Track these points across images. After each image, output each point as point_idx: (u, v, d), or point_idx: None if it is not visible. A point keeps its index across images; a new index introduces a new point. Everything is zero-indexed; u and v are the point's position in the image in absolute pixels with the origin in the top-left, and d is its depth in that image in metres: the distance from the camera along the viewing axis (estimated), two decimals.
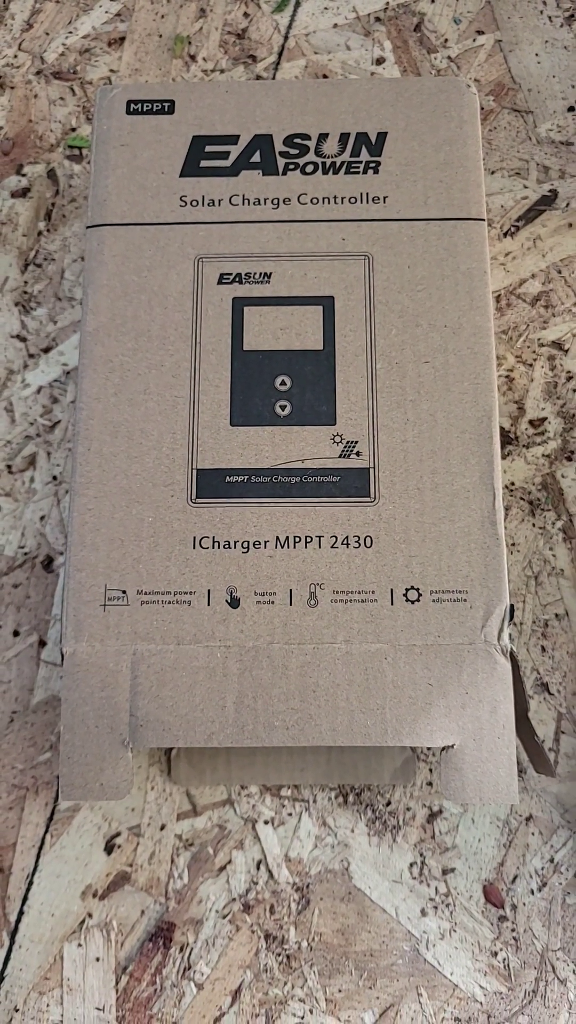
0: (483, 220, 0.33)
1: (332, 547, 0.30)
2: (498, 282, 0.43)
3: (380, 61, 0.47)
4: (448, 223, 0.33)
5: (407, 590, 0.29)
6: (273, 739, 0.28)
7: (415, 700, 0.28)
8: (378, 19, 0.48)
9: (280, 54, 0.47)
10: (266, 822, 0.35)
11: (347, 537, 0.30)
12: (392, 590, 0.29)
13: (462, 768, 0.28)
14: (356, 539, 0.30)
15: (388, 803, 0.35)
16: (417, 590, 0.29)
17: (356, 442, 0.31)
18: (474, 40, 0.48)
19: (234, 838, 0.34)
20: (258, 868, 0.34)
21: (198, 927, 0.33)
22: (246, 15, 0.48)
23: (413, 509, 0.30)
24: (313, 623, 0.29)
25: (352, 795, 0.35)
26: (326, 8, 0.48)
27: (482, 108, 0.46)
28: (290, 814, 0.35)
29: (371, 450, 0.31)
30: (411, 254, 0.33)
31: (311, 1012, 0.32)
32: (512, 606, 0.31)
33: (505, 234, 0.44)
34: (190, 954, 0.33)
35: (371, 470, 0.31)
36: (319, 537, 0.30)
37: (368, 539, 0.30)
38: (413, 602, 0.29)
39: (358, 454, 0.31)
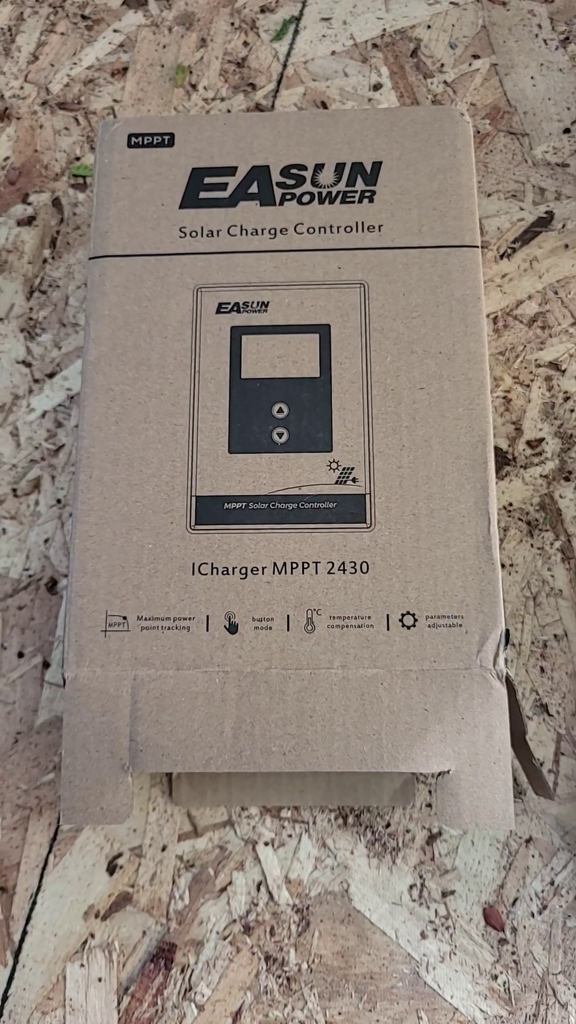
0: (477, 247, 0.34)
1: (329, 573, 0.30)
2: (495, 303, 0.44)
3: (377, 87, 0.48)
4: (442, 250, 0.34)
5: (403, 615, 0.30)
6: (270, 765, 0.28)
7: (411, 725, 0.28)
8: (375, 45, 0.49)
9: (279, 82, 0.48)
10: (266, 843, 0.35)
11: (344, 563, 0.30)
12: (388, 615, 0.30)
13: (458, 794, 0.28)
14: (352, 565, 0.30)
15: (387, 825, 0.35)
16: (413, 615, 0.30)
17: (352, 468, 0.31)
18: (470, 64, 0.49)
19: (235, 859, 0.35)
20: (258, 889, 0.34)
21: (199, 948, 0.34)
22: (246, 44, 0.49)
23: (409, 535, 0.30)
24: (310, 648, 0.29)
25: (352, 817, 0.35)
26: (324, 36, 0.49)
27: (478, 131, 0.47)
28: (290, 835, 0.35)
29: (367, 476, 0.31)
30: (406, 282, 0.33)
31: None
32: (508, 631, 0.31)
33: (502, 256, 0.44)
34: (191, 975, 0.33)
35: (367, 496, 0.31)
36: (316, 563, 0.30)
37: (364, 565, 0.30)
38: (409, 627, 0.30)
39: (354, 480, 0.31)
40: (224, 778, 0.35)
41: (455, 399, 0.32)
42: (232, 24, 0.50)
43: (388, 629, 0.30)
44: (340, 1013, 0.33)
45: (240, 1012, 0.33)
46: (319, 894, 0.34)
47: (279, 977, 0.33)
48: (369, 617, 0.30)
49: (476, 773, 0.28)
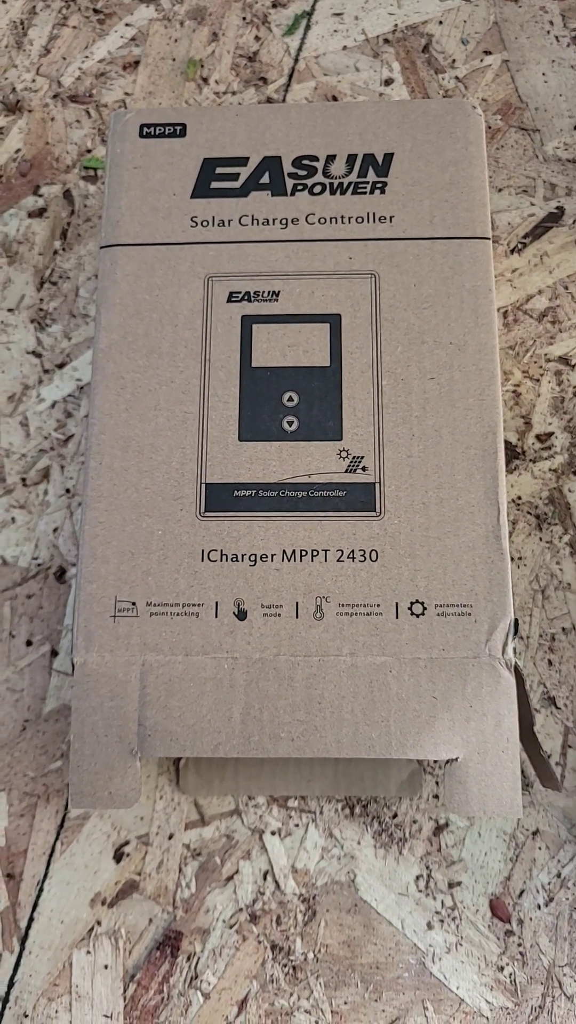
0: (488, 239, 0.34)
1: (338, 561, 0.30)
2: (505, 298, 0.44)
3: (389, 82, 0.48)
4: (454, 242, 0.34)
5: (412, 604, 0.30)
6: (278, 750, 0.28)
7: (419, 713, 0.28)
8: (387, 41, 0.49)
9: (290, 76, 0.48)
10: (273, 833, 0.35)
11: (353, 551, 0.30)
12: (397, 604, 0.30)
13: (466, 781, 0.28)
14: (362, 553, 0.30)
15: (394, 815, 0.35)
16: (422, 604, 0.30)
17: (362, 457, 0.31)
18: (481, 60, 0.49)
19: (241, 848, 0.35)
20: (265, 879, 0.34)
21: (205, 936, 0.34)
22: (257, 38, 0.49)
23: (418, 524, 0.30)
24: (319, 636, 0.29)
25: (359, 807, 0.35)
26: (336, 31, 0.49)
27: (489, 127, 0.47)
28: (297, 825, 0.35)
29: (377, 465, 0.31)
30: (417, 272, 0.33)
31: None
32: (516, 620, 0.31)
33: (512, 251, 0.44)
34: (197, 963, 0.33)
35: (377, 485, 0.31)
36: (325, 551, 0.30)
37: (374, 553, 0.30)
38: (418, 616, 0.30)
39: (364, 469, 0.31)
40: (231, 767, 0.35)
41: (465, 389, 0.32)
42: (244, 19, 0.50)
43: (397, 617, 0.30)
44: (346, 1003, 0.33)
45: (246, 1001, 0.33)
46: (326, 884, 0.34)
47: (285, 966, 0.33)
48: (378, 605, 0.30)
49: (484, 761, 0.28)
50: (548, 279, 0.44)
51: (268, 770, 0.35)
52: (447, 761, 0.28)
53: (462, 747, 0.28)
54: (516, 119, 0.47)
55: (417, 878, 0.34)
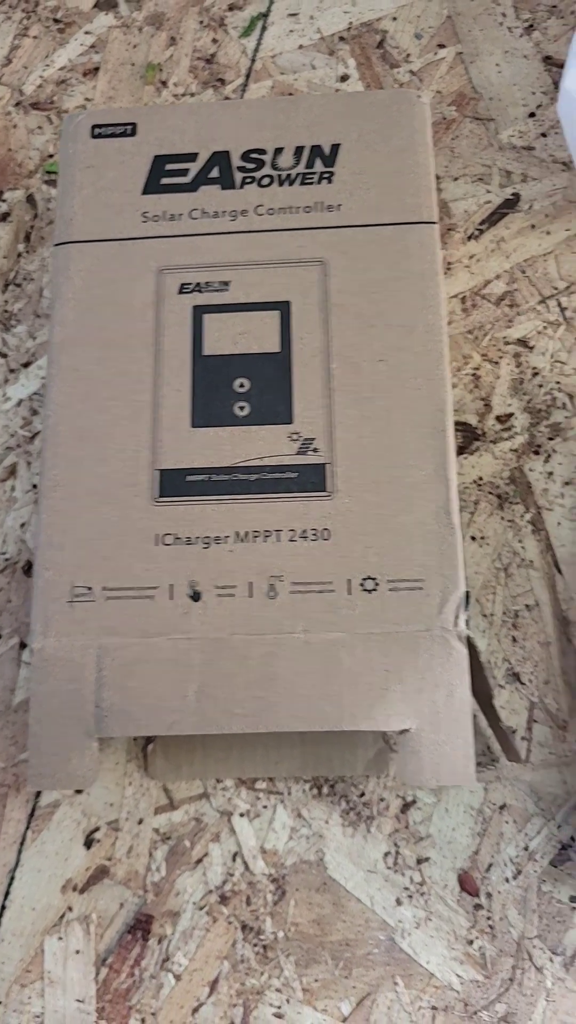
0: (435, 223, 0.35)
1: (291, 540, 0.31)
2: (463, 283, 0.44)
3: (344, 78, 0.49)
4: (401, 227, 0.35)
5: (364, 580, 0.30)
6: (233, 726, 0.28)
7: (372, 686, 0.29)
8: (342, 38, 0.50)
9: (248, 76, 0.49)
10: (241, 815, 0.35)
11: (305, 530, 0.31)
12: (350, 580, 0.30)
13: (419, 751, 0.28)
14: (314, 532, 0.31)
15: (362, 794, 0.35)
16: (374, 580, 0.30)
17: (313, 439, 0.32)
18: (435, 54, 0.49)
19: (210, 831, 0.35)
20: (234, 860, 0.35)
21: (176, 919, 0.34)
22: (215, 41, 0.50)
23: (370, 502, 0.31)
24: (273, 614, 0.30)
25: (326, 787, 0.36)
26: (292, 30, 0.50)
27: (444, 118, 0.48)
28: (265, 806, 0.35)
29: (328, 446, 0.32)
30: (365, 258, 0.34)
31: (288, 1002, 0.33)
32: (468, 592, 0.31)
33: (469, 237, 0.45)
34: (168, 946, 0.34)
35: (328, 466, 0.32)
36: (278, 531, 0.31)
37: (326, 532, 0.31)
38: (370, 591, 0.30)
39: (315, 450, 0.32)
40: (199, 751, 0.35)
41: (415, 370, 0.33)
42: (201, 22, 0.51)
43: (350, 593, 0.30)
44: (316, 980, 0.33)
45: (217, 981, 0.33)
46: (294, 863, 0.34)
47: (256, 946, 0.33)
48: (331, 582, 0.30)
49: (437, 731, 0.28)
50: (505, 264, 0.44)
51: (236, 753, 0.35)
52: (400, 732, 0.28)
53: (414, 718, 0.28)
54: (471, 109, 0.48)
55: (385, 855, 0.34)
